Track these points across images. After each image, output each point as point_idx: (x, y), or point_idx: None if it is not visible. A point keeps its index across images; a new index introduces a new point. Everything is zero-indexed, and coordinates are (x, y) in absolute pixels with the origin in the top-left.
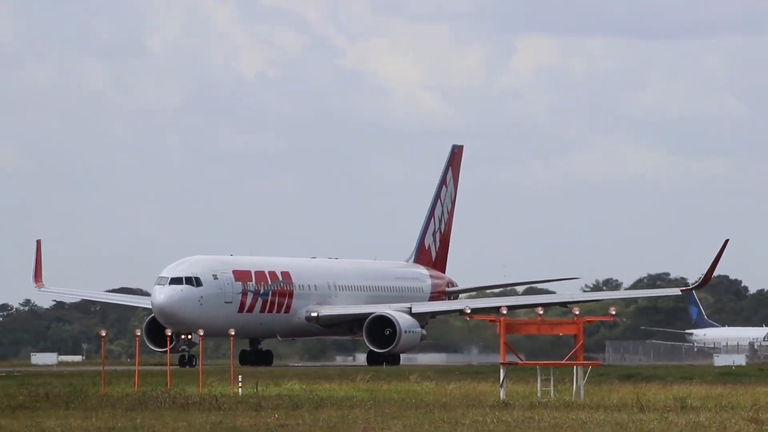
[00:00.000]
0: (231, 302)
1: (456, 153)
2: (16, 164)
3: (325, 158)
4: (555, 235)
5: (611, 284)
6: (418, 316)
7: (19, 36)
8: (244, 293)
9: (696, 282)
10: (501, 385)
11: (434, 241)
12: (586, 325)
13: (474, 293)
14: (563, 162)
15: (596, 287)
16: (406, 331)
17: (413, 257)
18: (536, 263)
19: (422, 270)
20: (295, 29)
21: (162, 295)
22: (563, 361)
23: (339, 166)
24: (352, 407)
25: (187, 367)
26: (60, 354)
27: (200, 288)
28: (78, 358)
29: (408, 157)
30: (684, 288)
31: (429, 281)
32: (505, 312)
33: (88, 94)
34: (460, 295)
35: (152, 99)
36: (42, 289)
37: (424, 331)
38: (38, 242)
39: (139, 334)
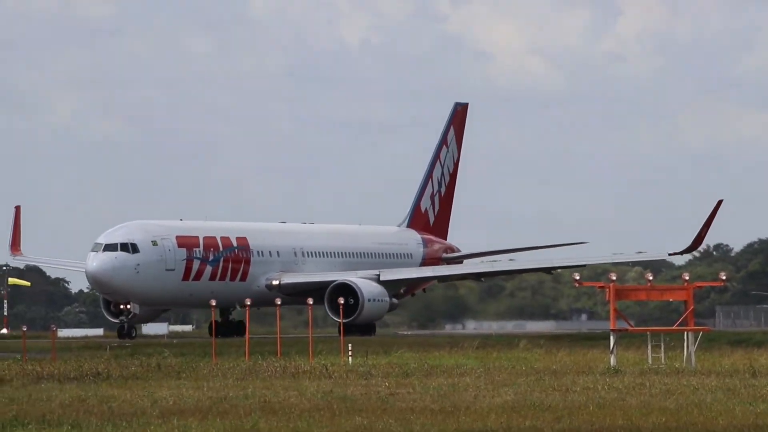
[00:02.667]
0: (173, 270)
1: (459, 111)
2: (121, 135)
3: (429, 125)
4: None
5: (722, 249)
6: (388, 284)
7: (120, 5)
8: (189, 260)
9: (685, 248)
10: (611, 352)
11: (432, 204)
12: (696, 291)
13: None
14: (669, 127)
15: (707, 253)
16: (369, 300)
17: (407, 222)
18: (647, 233)
19: (414, 235)
20: None
21: (95, 262)
22: (674, 327)
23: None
24: (462, 375)
25: (126, 339)
26: (170, 324)
27: (137, 255)
28: (188, 327)
29: (511, 122)
30: (672, 252)
31: (421, 247)
32: (614, 278)
33: (190, 62)
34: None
35: (255, 67)
36: (18, 257)
37: (394, 300)
38: (17, 208)
39: (249, 304)
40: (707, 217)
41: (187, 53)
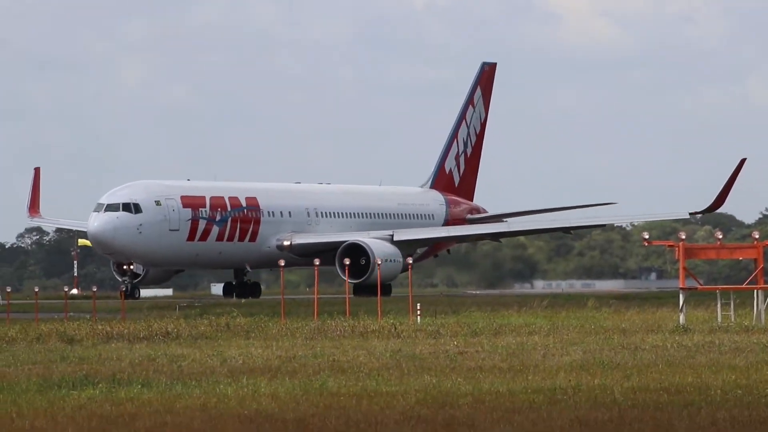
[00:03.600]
0: (177, 230)
1: (486, 71)
2: (188, 102)
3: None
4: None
5: None
6: (403, 244)
7: None
8: (195, 220)
9: (706, 207)
10: (680, 311)
11: (457, 164)
12: (766, 249)
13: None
14: (737, 88)
15: None
16: (381, 261)
17: (430, 182)
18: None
19: (436, 195)
20: None
21: (96, 222)
22: (743, 286)
23: (513, 96)
24: (530, 334)
25: (130, 299)
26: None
27: (139, 215)
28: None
29: (580, 85)
30: (693, 212)
31: (444, 207)
32: (683, 237)
33: (256, 29)
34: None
35: (321, 32)
36: (36, 218)
37: (409, 260)
38: (36, 170)
39: (318, 263)
40: (729, 176)
41: (251, 16)
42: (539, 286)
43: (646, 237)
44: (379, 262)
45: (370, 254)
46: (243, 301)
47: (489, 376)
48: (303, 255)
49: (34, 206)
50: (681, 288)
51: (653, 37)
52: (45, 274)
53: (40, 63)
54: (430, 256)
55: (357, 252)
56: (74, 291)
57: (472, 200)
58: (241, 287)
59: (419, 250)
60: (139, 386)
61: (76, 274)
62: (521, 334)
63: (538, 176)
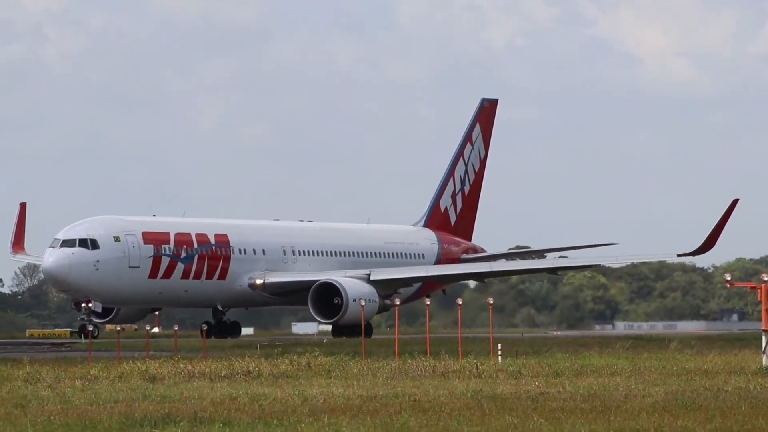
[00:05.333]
0: (138, 267)
1: (486, 108)
2: (268, 141)
3: (574, 129)
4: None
5: None
6: (380, 284)
7: (267, 12)
8: (157, 257)
9: (696, 248)
10: (763, 352)
11: (453, 203)
12: None
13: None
14: None
15: None
16: (355, 300)
17: (424, 221)
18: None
19: (428, 234)
20: None
21: (51, 258)
22: None
23: (587, 137)
24: (612, 375)
25: (88, 339)
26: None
27: (96, 251)
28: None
29: (661, 126)
30: (681, 254)
31: (436, 247)
32: (766, 278)
33: (336, 69)
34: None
35: (401, 72)
36: (20, 255)
37: (387, 301)
38: (22, 206)
39: (398, 303)
40: (721, 216)
41: (332, 56)
42: (620, 327)
43: (728, 279)
44: (363, 303)
45: (344, 294)
46: (326, 340)
47: (571, 417)
48: (277, 294)
49: (17, 242)
50: (764, 329)
51: (733, 79)
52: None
53: (118, 101)
54: (422, 297)
55: (331, 291)
56: (155, 329)
57: (470, 239)
58: (220, 326)
59: (402, 291)
60: (221, 425)
61: (157, 313)
62: (603, 375)
63: (542, 216)
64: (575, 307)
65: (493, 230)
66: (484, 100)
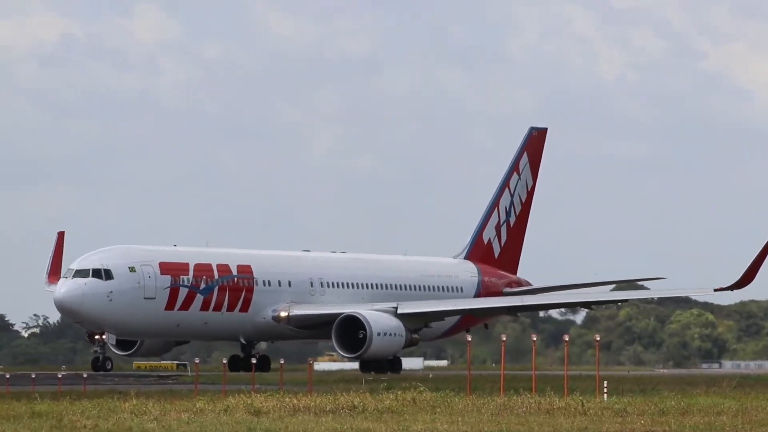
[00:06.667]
0: (153, 298)
1: (534, 137)
2: (378, 172)
3: (687, 163)
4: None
5: None
6: (407, 318)
7: (377, 44)
8: (175, 288)
9: (733, 283)
10: None
11: (497, 234)
12: None
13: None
14: None
15: None
16: (380, 334)
17: (465, 253)
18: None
19: (468, 266)
20: (654, 31)
21: (63, 289)
22: None
23: (700, 171)
24: (718, 414)
25: (101, 372)
26: (425, 358)
27: (110, 282)
28: (443, 362)
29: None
30: (718, 288)
31: (476, 279)
32: None
33: (447, 100)
34: None
35: (512, 105)
36: (53, 286)
37: (415, 335)
38: (60, 235)
39: (505, 339)
40: (760, 251)
41: (442, 88)
42: (727, 365)
43: None
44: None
45: (367, 327)
46: (431, 375)
47: None
48: (302, 327)
49: (54, 272)
50: None
51: None
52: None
53: (231, 131)
54: (461, 331)
55: (356, 325)
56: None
57: (515, 273)
58: (248, 360)
59: (436, 325)
60: None
61: (264, 346)
62: (709, 415)
63: (593, 248)
64: (682, 345)
65: (544, 263)
66: (532, 129)
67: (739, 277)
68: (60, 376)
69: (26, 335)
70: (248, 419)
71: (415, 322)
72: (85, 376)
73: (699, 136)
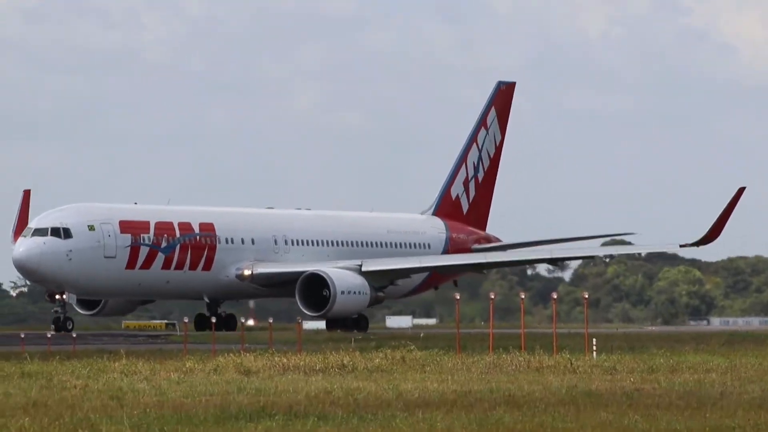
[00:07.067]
0: (114, 257)
1: (502, 91)
2: (361, 128)
3: (670, 118)
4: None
5: None
6: (373, 275)
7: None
8: (135, 246)
9: (699, 239)
10: None
11: (466, 190)
12: None
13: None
14: None
15: None
16: (344, 292)
17: (433, 209)
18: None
19: (436, 223)
20: None
21: (21, 248)
22: None
23: (680, 126)
24: (707, 371)
25: (62, 332)
26: (414, 317)
27: (69, 240)
28: (431, 320)
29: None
30: (683, 244)
31: (443, 236)
32: None
33: (430, 57)
34: None
35: (496, 61)
36: None
37: (381, 293)
38: (26, 193)
39: (493, 297)
40: (726, 206)
41: (423, 43)
42: (716, 322)
43: None
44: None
45: (332, 286)
46: (421, 335)
47: (666, 414)
48: (266, 285)
49: (20, 231)
50: None
51: None
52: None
53: (216, 87)
54: (430, 288)
55: (320, 283)
56: (250, 322)
57: (484, 229)
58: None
59: (403, 282)
60: (315, 419)
61: (252, 305)
62: (698, 372)
63: (563, 204)
64: (670, 302)
65: (522, 220)
66: (500, 83)
67: (704, 232)
68: (49, 336)
69: (14, 294)
70: (238, 379)
71: (380, 280)
72: (48, 336)
73: (678, 91)
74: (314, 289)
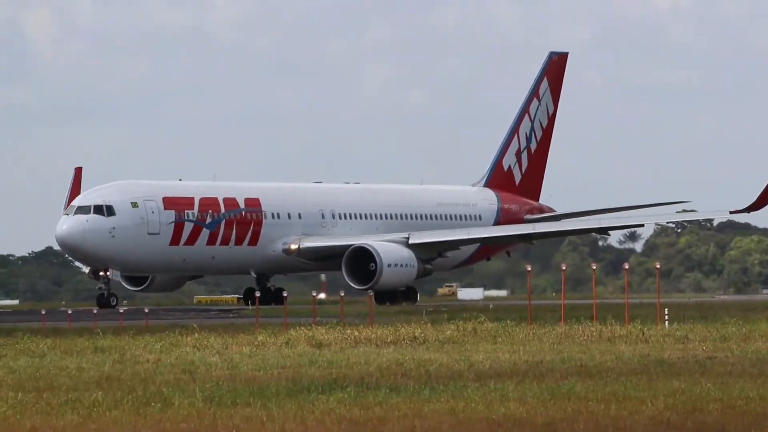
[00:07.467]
0: (158, 233)
1: (554, 62)
2: (429, 105)
3: (741, 92)
4: None
5: None
6: (419, 248)
7: None
8: (179, 223)
9: (749, 205)
10: None
11: (518, 161)
12: None
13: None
14: None
15: None
16: (390, 265)
17: (485, 181)
18: None
19: (488, 194)
20: None
21: (64, 226)
22: None
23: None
24: None
25: (107, 308)
26: (486, 289)
27: (112, 218)
28: (503, 292)
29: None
30: (734, 211)
31: (495, 207)
32: None
33: (498, 34)
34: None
35: (564, 36)
36: None
37: (428, 265)
38: (77, 170)
39: (564, 268)
40: None
41: (494, 23)
42: None
43: None
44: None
45: (378, 259)
46: (492, 306)
47: (739, 382)
48: (313, 259)
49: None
50: None
51: None
52: (296, 276)
53: (282, 67)
54: (482, 259)
55: (366, 257)
56: (322, 296)
57: (537, 199)
58: (264, 293)
59: (452, 254)
60: (387, 390)
61: (324, 279)
62: None
63: (620, 174)
64: (743, 271)
65: (569, 190)
66: (552, 54)
67: (755, 199)
68: (121, 311)
69: (87, 271)
70: (310, 351)
71: (427, 252)
72: (95, 312)
73: (739, 65)
74: (361, 263)
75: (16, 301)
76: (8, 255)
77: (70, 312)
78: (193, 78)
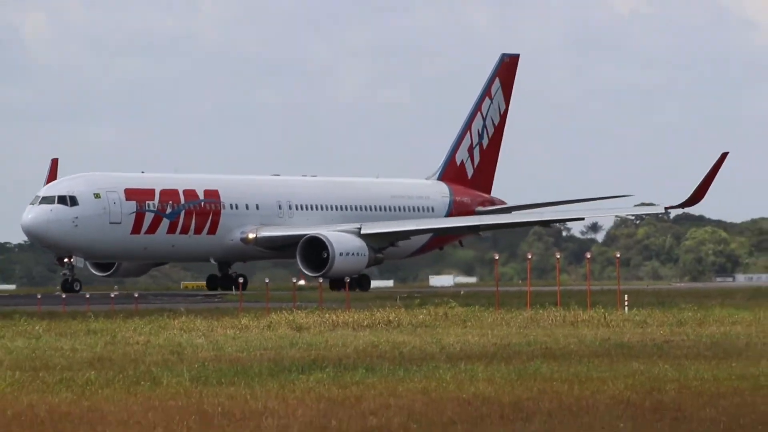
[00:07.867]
0: (119, 223)
1: (506, 63)
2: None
3: (701, 91)
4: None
5: None
6: (371, 238)
7: None
8: (140, 213)
9: (683, 201)
10: None
11: (470, 156)
12: None
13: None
14: None
15: None
16: (342, 254)
17: (438, 174)
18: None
19: (440, 188)
20: None
21: (30, 215)
22: None
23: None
24: (733, 324)
25: (71, 293)
26: (456, 276)
27: (75, 207)
28: (472, 279)
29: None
30: (669, 207)
31: (447, 200)
32: None
33: (469, 35)
34: None
35: (532, 40)
36: None
37: (380, 255)
38: (54, 162)
39: (530, 257)
40: (709, 170)
41: (469, 28)
42: (740, 279)
43: None
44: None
45: (330, 248)
46: (462, 292)
47: (694, 364)
48: (269, 248)
49: None
50: None
51: None
52: (273, 264)
53: (266, 67)
54: (434, 249)
55: (320, 246)
56: (301, 282)
57: (489, 193)
58: (226, 280)
59: (403, 244)
60: (364, 371)
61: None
62: (725, 324)
63: (569, 168)
64: (697, 261)
65: (521, 184)
66: (504, 55)
67: (689, 195)
68: (112, 296)
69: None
70: (290, 334)
71: (379, 242)
72: (63, 296)
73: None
74: (315, 251)
75: (13, 286)
76: (5, 242)
77: (64, 296)
78: (183, 78)
